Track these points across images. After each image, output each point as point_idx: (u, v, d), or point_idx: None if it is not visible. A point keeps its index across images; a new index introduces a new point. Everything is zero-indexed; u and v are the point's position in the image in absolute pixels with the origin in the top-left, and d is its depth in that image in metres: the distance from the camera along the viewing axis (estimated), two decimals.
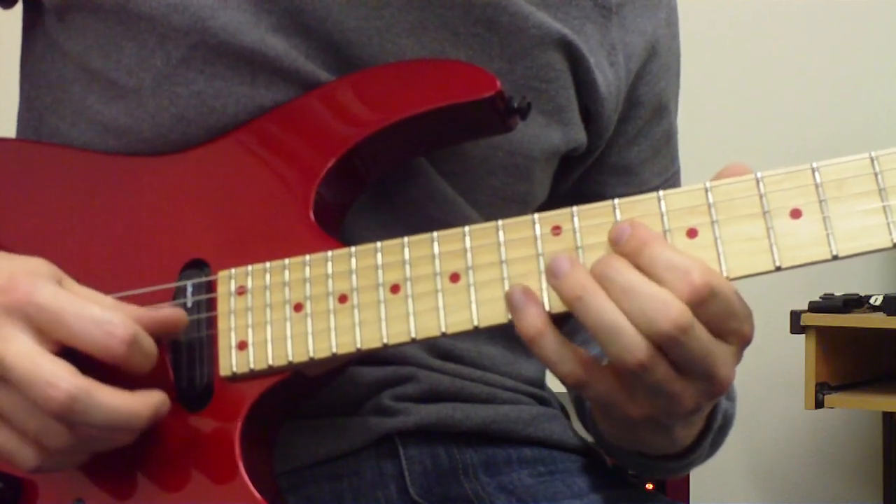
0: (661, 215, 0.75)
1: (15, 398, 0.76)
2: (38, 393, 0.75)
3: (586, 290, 0.73)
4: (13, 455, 0.78)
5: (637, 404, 0.76)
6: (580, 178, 1.04)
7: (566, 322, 1.09)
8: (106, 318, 0.77)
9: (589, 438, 1.05)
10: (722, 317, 0.73)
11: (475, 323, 0.77)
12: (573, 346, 0.75)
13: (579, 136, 0.99)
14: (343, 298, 0.80)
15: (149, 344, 0.79)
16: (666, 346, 0.72)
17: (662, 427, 0.80)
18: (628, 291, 0.72)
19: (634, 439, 0.85)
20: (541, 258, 0.76)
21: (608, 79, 0.99)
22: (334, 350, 0.79)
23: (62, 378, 0.75)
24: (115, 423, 0.77)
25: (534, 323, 0.74)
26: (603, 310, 0.72)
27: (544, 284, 0.76)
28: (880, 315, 2.12)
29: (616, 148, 1.04)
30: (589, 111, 0.99)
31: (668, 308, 0.71)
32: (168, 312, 0.81)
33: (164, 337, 0.81)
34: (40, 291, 0.77)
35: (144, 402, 0.78)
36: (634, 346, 0.72)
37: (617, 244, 0.74)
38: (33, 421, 0.76)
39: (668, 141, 1.09)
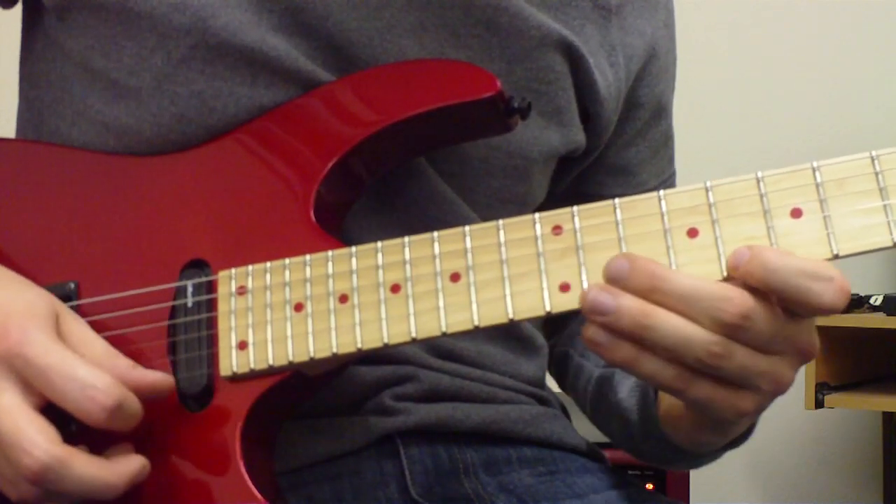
0: (662, 215, 0.75)
1: None
2: (13, 456, 0.75)
3: (649, 316, 0.71)
4: (2, 487, 0.78)
5: (742, 396, 0.74)
6: (578, 178, 1.04)
7: (565, 321, 1.10)
8: (90, 382, 0.76)
9: (598, 437, 1.05)
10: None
11: (476, 322, 0.77)
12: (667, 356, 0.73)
13: (578, 137, 0.99)
14: (343, 298, 0.79)
15: (132, 407, 0.78)
16: (733, 335, 0.71)
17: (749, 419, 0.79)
18: (686, 296, 0.71)
19: (697, 441, 0.85)
20: (541, 258, 0.76)
21: (608, 80, 0.99)
22: (335, 350, 0.79)
23: (38, 446, 0.74)
24: (88, 493, 0.77)
25: (628, 354, 0.73)
26: (672, 327, 0.71)
27: (545, 284, 0.76)
28: (880, 315, 2.12)
29: (614, 148, 1.04)
30: (588, 112, 0.99)
31: (730, 301, 0.71)
32: (157, 378, 0.81)
33: (148, 399, 0.80)
34: (30, 343, 0.77)
35: (121, 472, 0.78)
36: (708, 344, 0.71)
37: (738, 269, 0.72)
38: (9, 473, 0.76)
39: (666, 142, 1.09)
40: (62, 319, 0.80)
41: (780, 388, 0.75)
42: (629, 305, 0.71)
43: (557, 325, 1.10)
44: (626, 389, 0.94)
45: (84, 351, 0.79)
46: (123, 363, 0.80)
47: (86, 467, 0.76)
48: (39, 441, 0.75)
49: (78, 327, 0.81)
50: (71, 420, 0.78)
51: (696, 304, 0.71)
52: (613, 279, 0.72)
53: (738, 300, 0.71)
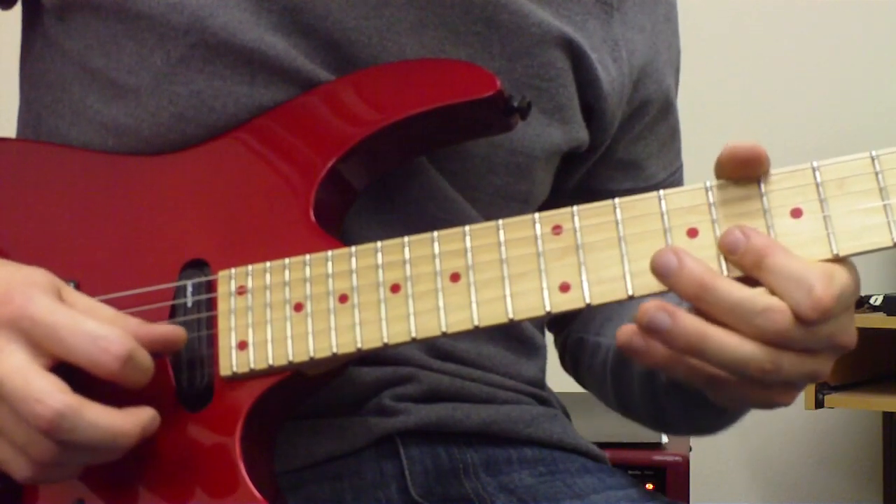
0: (662, 214, 0.75)
1: (5, 410, 0.76)
2: (26, 409, 0.74)
3: (704, 340, 0.71)
4: (6, 464, 0.78)
5: (776, 393, 0.75)
6: (586, 174, 1.04)
7: (571, 319, 1.09)
8: (101, 333, 0.76)
9: (598, 437, 1.04)
10: (842, 312, 0.72)
11: (475, 322, 0.77)
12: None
13: (580, 134, 0.99)
14: (343, 298, 0.79)
15: (145, 360, 0.78)
16: (779, 345, 0.71)
17: None
18: (734, 309, 0.71)
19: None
20: (541, 257, 0.76)
21: (611, 75, 0.99)
22: (335, 350, 0.79)
23: (51, 395, 0.74)
24: (102, 441, 0.76)
25: (662, 358, 0.73)
26: (727, 350, 0.71)
27: (545, 284, 0.76)
28: (880, 315, 2.12)
29: (623, 143, 1.04)
30: (592, 108, 0.99)
31: (781, 312, 0.70)
32: (167, 330, 0.81)
33: (162, 353, 0.81)
34: (36, 304, 0.76)
35: (134, 420, 0.77)
36: (761, 363, 0.71)
37: (734, 254, 0.72)
38: (20, 434, 0.76)
39: (673, 135, 1.09)
40: (64, 291, 0.80)
41: (817, 380, 0.75)
42: (685, 327, 0.71)
43: (568, 318, 1.10)
44: None
45: (92, 314, 0.78)
46: (133, 320, 0.80)
47: (100, 414, 0.76)
48: (52, 390, 0.74)
49: (82, 296, 0.81)
50: (76, 384, 0.77)
51: (746, 316, 0.71)
52: (663, 274, 0.72)
53: (783, 319, 0.70)
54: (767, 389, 0.74)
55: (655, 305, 0.72)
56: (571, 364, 1.10)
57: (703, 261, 0.73)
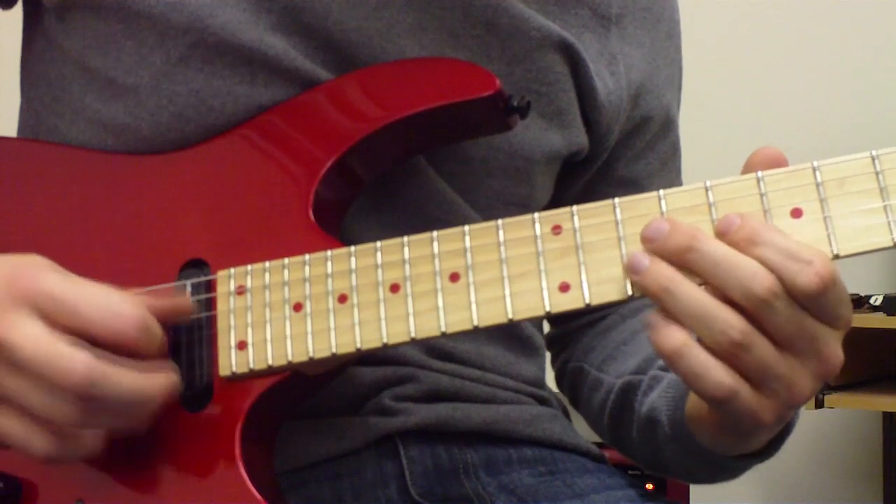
0: (662, 214, 0.75)
1: (24, 382, 0.75)
2: (56, 372, 0.74)
3: (672, 281, 0.72)
4: (26, 442, 0.77)
5: (768, 407, 0.74)
6: (587, 190, 1.03)
7: (577, 335, 1.08)
8: (115, 300, 0.76)
9: (592, 438, 1.04)
10: (834, 304, 0.72)
11: (475, 323, 0.77)
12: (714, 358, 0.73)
13: (580, 139, 0.99)
14: (343, 298, 0.79)
15: (157, 328, 0.78)
16: (760, 314, 0.71)
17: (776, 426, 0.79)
18: (720, 262, 0.71)
19: (718, 442, 0.84)
20: (541, 257, 0.76)
21: (608, 87, 0.98)
22: (334, 350, 0.79)
23: (79, 357, 0.74)
24: (131, 401, 0.76)
25: (675, 343, 0.73)
26: (691, 297, 0.72)
27: (544, 284, 0.76)
28: (880, 315, 2.12)
29: (623, 161, 1.04)
30: (588, 118, 0.98)
31: (763, 276, 0.70)
32: (174, 299, 0.81)
33: (169, 323, 0.81)
34: (46, 279, 0.76)
35: (158, 382, 0.77)
36: (728, 327, 0.71)
37: (727, 234, 0.72)
38: (40, 400, 0.75)
39: (674, 154, 1.09)
40: (66, 274, 0.80)
41: (794, 398, 0.74)
42: (658, 268, 0.72)
43: (568, 340, 1.09)
44: (657, 392, 0.92)
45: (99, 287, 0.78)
46: (137, 293, 0.80)
47: (128, 374, 0.76)
48: (79, 353, 0.74)
49: (82, 279, 0.80)
50: None
51: (730, 272, 0.71)
52: (650, 239, 0.73)
53: (770, 278, 0.71)
54: (752, 388, 0.73)
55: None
56: (569, 389, 1.09)
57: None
